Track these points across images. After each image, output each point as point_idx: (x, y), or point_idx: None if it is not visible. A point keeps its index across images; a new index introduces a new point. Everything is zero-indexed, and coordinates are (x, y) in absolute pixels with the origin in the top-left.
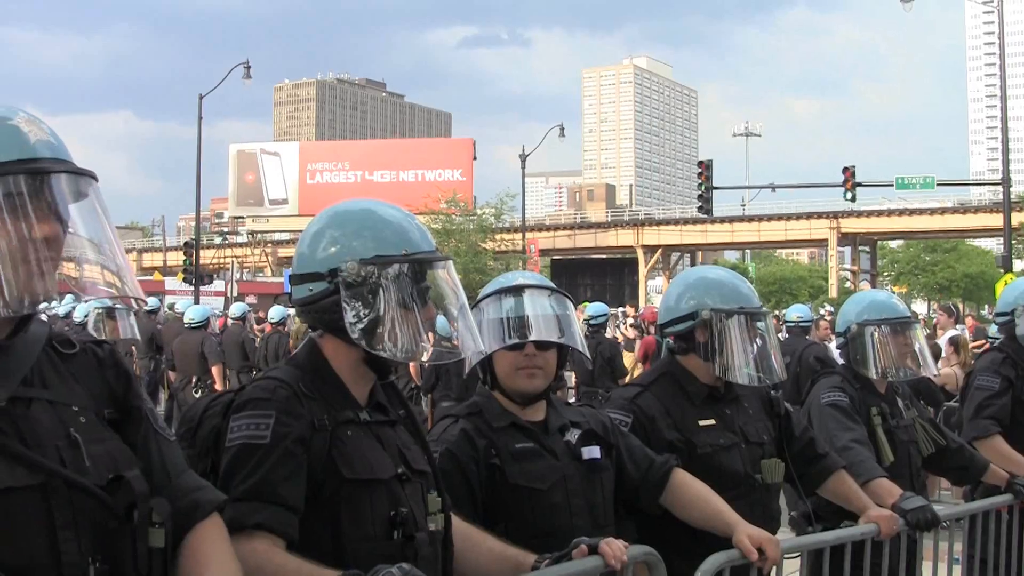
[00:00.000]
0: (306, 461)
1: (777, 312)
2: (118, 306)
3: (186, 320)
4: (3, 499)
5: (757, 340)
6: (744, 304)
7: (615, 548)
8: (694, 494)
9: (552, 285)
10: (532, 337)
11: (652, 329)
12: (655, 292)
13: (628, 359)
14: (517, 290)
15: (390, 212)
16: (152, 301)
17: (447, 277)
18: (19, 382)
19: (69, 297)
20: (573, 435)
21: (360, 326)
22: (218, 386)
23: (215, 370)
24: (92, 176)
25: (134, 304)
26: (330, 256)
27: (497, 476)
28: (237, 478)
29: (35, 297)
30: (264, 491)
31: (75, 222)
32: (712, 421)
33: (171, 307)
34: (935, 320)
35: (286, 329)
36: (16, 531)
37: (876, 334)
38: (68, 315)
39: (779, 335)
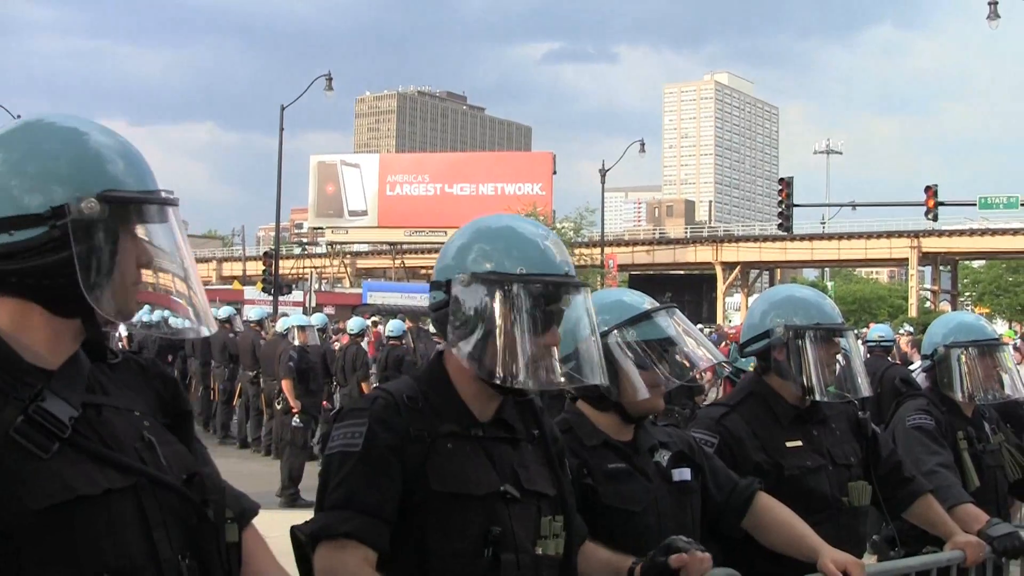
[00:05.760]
0: (399, 471)
1: (857, 331)
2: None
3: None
4: (104, 502)
5: (838, 357)
6: (822, 320)
7: (699, 564)
8: (777, 518)
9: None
10: (703, 365)
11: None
12: (733, 309)
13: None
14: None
15: (527, 229)
16: (225, 310)
17: (574, 303)
18: (84, 389)
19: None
20: (663, 456)
21: (459, 339)
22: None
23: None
24: (175, 204)
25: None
26: (448, 266)
27: (590, 496)
28: (330, 486)
29: (129, 315)
30: (354, 500)
31: (160, 244)
32: (799, 442)
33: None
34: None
35: (364, 340)
36: (117, 533)
37: (964, 357)
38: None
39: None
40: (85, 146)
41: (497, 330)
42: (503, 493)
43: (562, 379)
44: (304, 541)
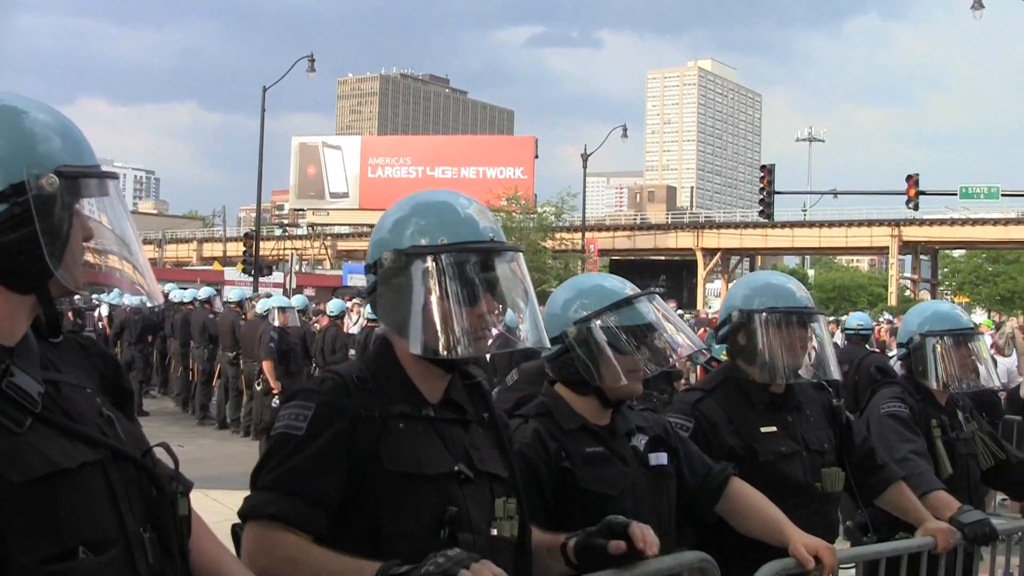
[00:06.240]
0: (345, 455)
1: (836, 319)
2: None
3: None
4: (79, 475)
5: (800, 339)
6: (780, 304)
7: (644, 531)
8: (750, 503)
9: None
10: (683, 352)
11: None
12: (713, 295)
13: None
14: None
15: (449, 199)
16: (205, 291)
17: (504, 269)
18: (39, 366)
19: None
20: (640, 440)
21: (393, 319)
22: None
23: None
24: (116, 177)
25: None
26: (384, 240)
27: (568, 480)
28: (268, 466)
29: (81, 288)
30: (287, 483)
31: (106, 216)
32: (774, 428)
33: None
34: None
35: (357, 324)
36: (91, 506)
37: (938, 345)
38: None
39: (836, 342)
40: (22, 124)
41: (427, 304)
42: (457, 473)
43: (502, 345)
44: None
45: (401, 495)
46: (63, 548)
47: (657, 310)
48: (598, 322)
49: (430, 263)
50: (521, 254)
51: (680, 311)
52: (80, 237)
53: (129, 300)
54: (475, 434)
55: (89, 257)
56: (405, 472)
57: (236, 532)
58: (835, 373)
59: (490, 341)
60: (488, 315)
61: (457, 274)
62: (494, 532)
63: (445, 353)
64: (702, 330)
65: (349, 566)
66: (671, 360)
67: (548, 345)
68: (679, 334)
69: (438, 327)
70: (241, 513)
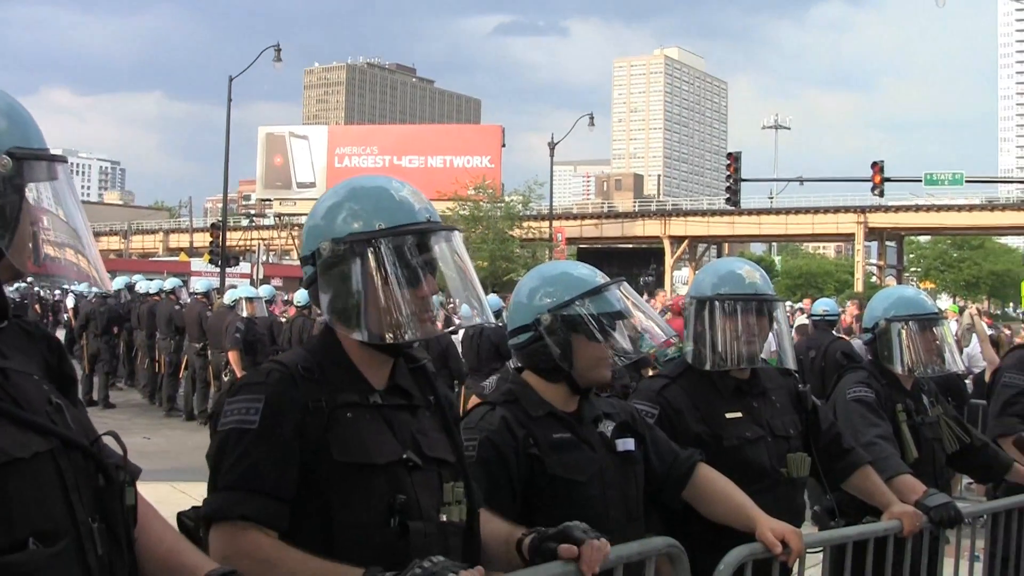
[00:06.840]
0: (298, 446)
1: (803, 306)
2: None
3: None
4: (31, 465)
5: (746, 324)
6: (726, 291)
7: (595, 552)
8: (717, 489)
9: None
10: (657, 340)
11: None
12: (681, 283)
13: None
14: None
15: (383, 183)
16: (171, 282)
17: (443, 249)
18: None
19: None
20: (607, 426)
21: (333, 307)
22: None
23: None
24: (65, 160)
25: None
26: (317, 226)
27: (536, 467)
28: (225, 465)
29: (28, 272)
30: (250, 480)
31: (56, 200)
32: (739, 414)
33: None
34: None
35: (311, 313)
36: (42, 495)
37: (903, 330)
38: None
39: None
40: None
41: (371, 290)
42: (406, 460)
43: (449, 325)
44: (191, 525)
45: (351, 486)
46: (13, 539)
47: (627, 298)
48: (574, 309)
49: (370, 249)
50: (458, 233)
51: (645, 296)
52: (28, 221)
53: (90, 289)
54: (422, 419)
55: (36, 242)
56: (355, 463)
57: (182, 521)
58: (790, 362)
59: (437, 323)
60: (431, 297)
61: (397, 258)
62: (443, 518)
63: (392, 338)
64: (667, 316)
65: (331, 571)
66: (642, 350)
67: (493, 321)
68: (648, 321)
69: (383, 313)
70: (206, 515)
